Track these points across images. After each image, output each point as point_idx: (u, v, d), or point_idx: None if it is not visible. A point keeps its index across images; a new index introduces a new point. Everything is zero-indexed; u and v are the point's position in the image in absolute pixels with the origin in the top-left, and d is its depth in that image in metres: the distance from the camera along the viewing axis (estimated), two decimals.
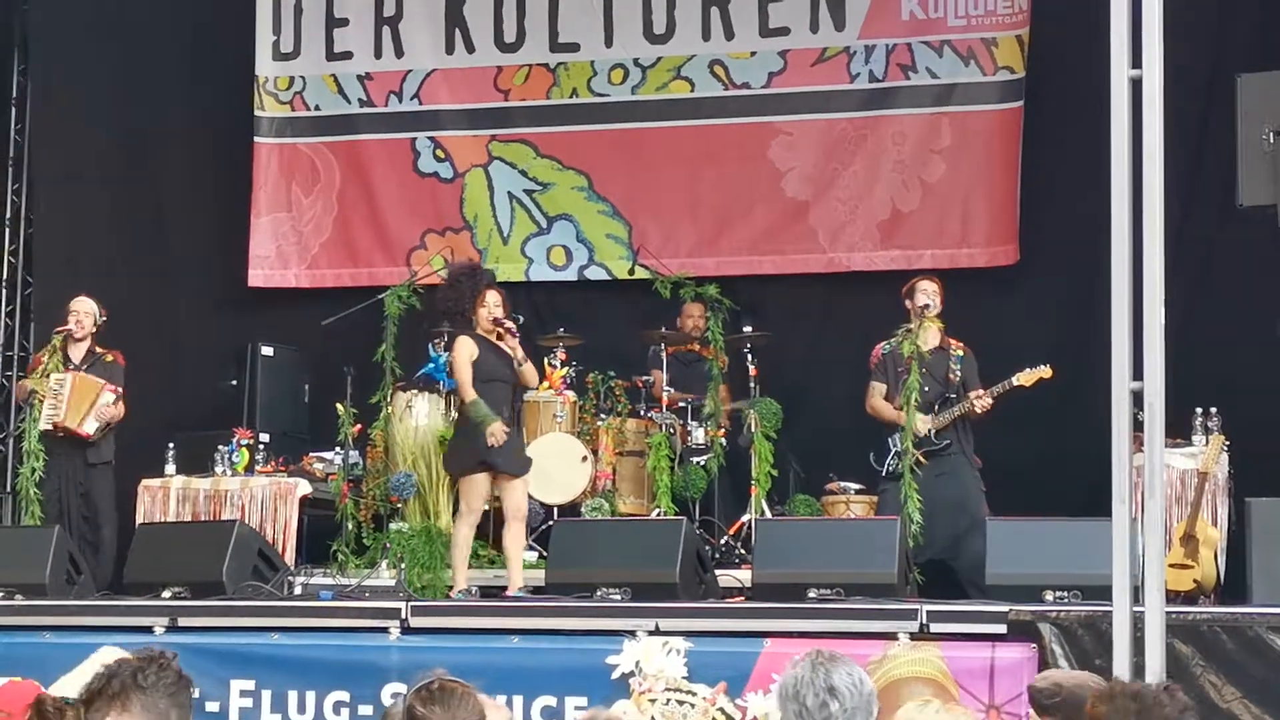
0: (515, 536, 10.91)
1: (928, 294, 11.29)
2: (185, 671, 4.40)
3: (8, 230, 15.01)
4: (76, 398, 11.80)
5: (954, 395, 11.22)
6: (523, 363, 11.06)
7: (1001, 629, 8.18)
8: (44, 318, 14.00)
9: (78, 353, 12.02)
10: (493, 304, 11.01)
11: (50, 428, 11.77)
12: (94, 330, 12.11)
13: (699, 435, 12.45)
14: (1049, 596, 8.52)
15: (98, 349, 12.09)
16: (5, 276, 14.98)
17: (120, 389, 11.91)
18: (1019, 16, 13.23)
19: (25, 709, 6.30)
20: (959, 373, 11.28)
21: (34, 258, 14.94)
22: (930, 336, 11.32)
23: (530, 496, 12.13)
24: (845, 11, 13.62)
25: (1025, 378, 11.08)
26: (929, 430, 11.06)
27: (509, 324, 11.03)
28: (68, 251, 14.70)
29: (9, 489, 13.73)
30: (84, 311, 12.11)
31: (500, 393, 10.94)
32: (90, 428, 11.75)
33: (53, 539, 10.04)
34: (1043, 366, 11.07)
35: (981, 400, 11.09)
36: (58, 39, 14.86)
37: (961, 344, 11.42)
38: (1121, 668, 6.89)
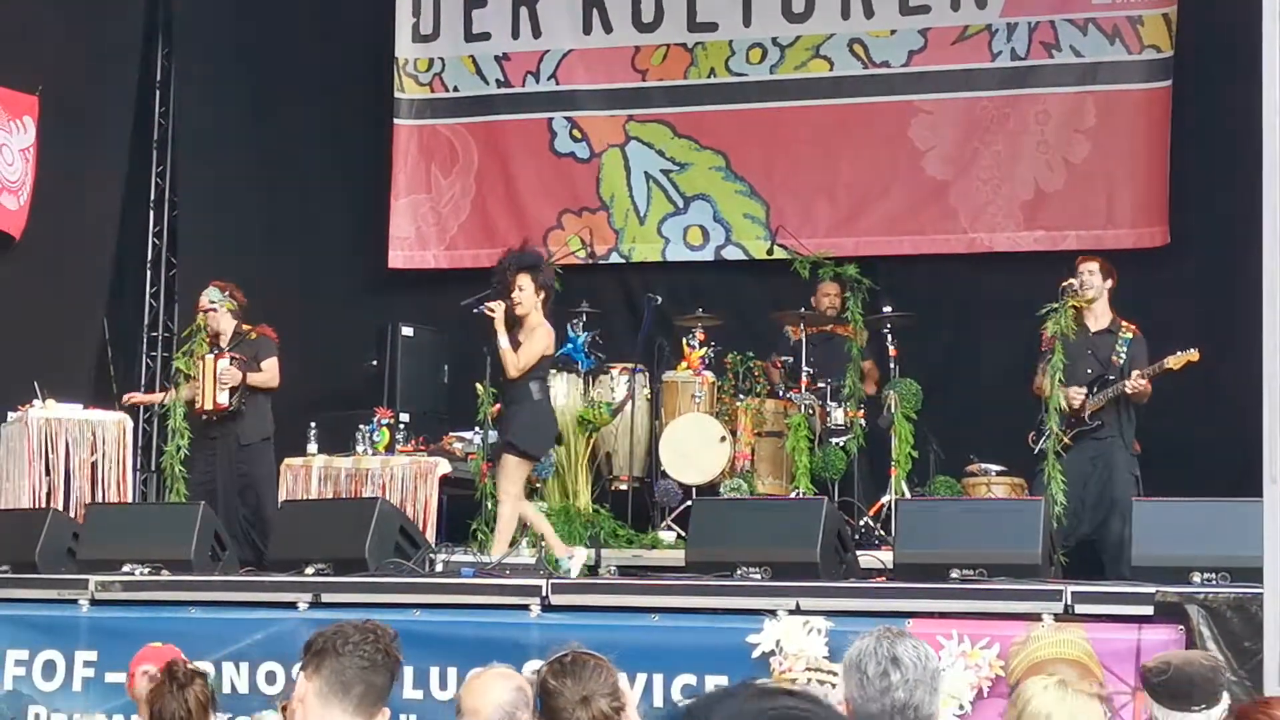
0: (498, 516, 10.97)
1: (1079, 273, 11.21)
2: (395, 653, 4.31)
3: (152, 212, 15.20)
4: (208, 380, 11.94)
5: (1114, 377, 11.12)
6: (500, 349, 10.92)
7: (1148, 610, 8.05)
8: (187, 299, 14.14)
9: (225, 337, 12.14)
10: (529, 286, 10.92)
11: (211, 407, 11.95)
12: (232, 311, 12.16)
13: (838, 416, 12.40)
14: (1197, 578, 8.38)
15: (244, 326, 12.20)
16: (150, 258, 15.17)
17: (243, 357, 11.99)
18: None
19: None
20: (1123, 355, 11.17)
21: (177, 239, 15.12)
22: (1099, 317, 11.26)
23: (667, 475, 12.17)
24: None
25: (1174, 361, 10.96)
26: (1082, 407, 10.98)
27: (489, 307, 10.92)
28: (210, 233, 14.87)
29: (154, 467, 13.91)
30: (200, 309, 12.26)
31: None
32: (224, 399, 11.89)
33: (198, 515, 10.12)
34: (1191, 350, 10.93)
35: (1132, 383, 10.97)
36: (200, 24, 15.04)
37: (1133, 326, 11.27)
38: (1271, 650, 6.76)
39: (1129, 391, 11.01)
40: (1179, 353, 10.93)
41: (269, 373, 12.11)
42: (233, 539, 11.23)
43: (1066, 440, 10.89)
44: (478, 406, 12.32)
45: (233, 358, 11.94)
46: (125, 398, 12.95)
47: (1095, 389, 11.09)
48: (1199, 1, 12.85)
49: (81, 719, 9.13)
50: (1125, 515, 10.61)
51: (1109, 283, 11.28)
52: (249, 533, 11.73)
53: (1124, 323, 11.30)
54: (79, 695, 9.20)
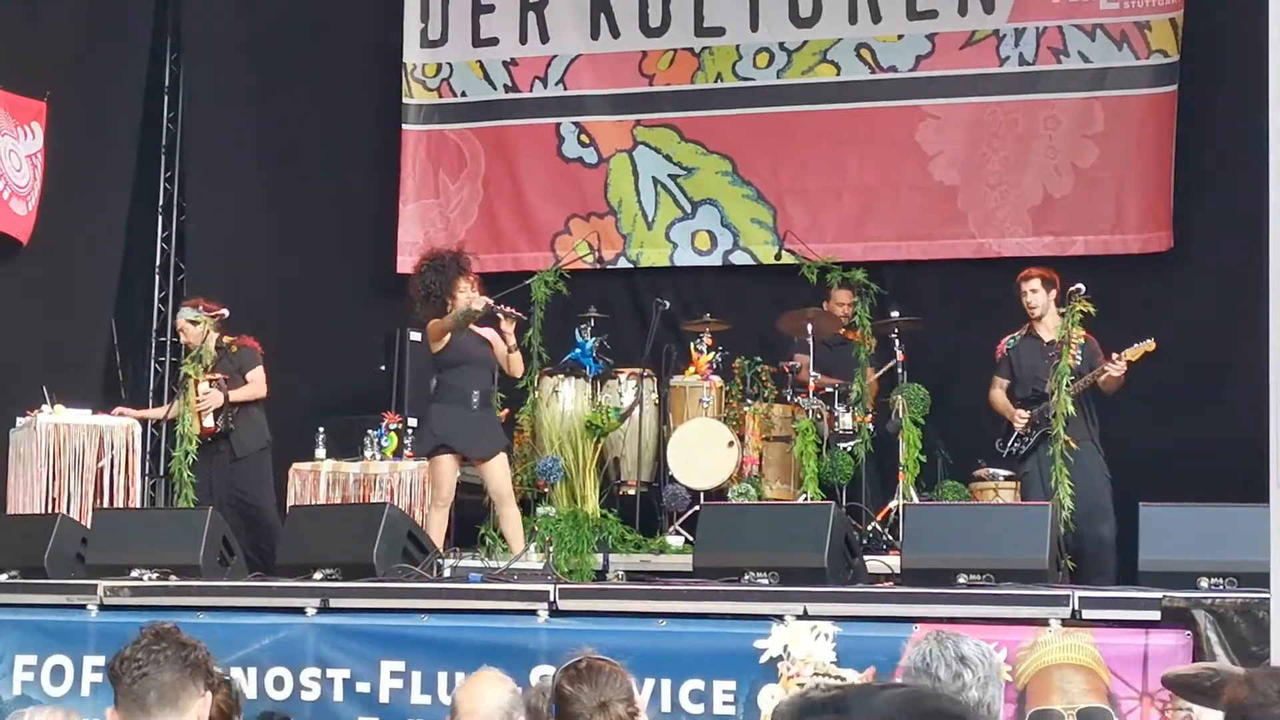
0: (506, 519, 11.06)
1: (1021, 292, 11.64)
2: (177, 640, 4.27)
3: (160, 217, 15.23)
4: (194, 404, 11.95)
5: (1072, 378, 11.35)
6: (512, 350, 11.09)
7: (1155, 616, 8.04)
8: None
9: (208, 356, 12.10)
10: (469, 290, 11.02)
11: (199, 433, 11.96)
12: (213, 326, 12.12)
13: (846, 421, 12.40)
14: (1204, 583, 8.38)
15: (225, 339, 12.16)
16: (158, 263, 15.20)
17: (225, 375, 11.97)
18: None
19: None
20: (1079, 358, 11.40)
21: (186, 244, 15.14)
22: (1050, 328, 11.59)
23: (675, 480, 12.18)
24: None
25: (1131, 352, 11.14)
26: (1031, 419, 11.47)
27: (508, 309, 11.05)
28: (218, 238, 14.89)
29: (163, 472, 13.92)
30: (180, 330, 12.27)
31: (474, 374, 11.05)
32: (208, 422, 11.88)
33: (207, 520, 10.12)
34: (1148, 340, 11.11)
35: (1115, 366, 11.18)
36: (208, 29, 15.06)
37: (1084, 333, 11.44)
38: (1278, 655, 6.75)
39: (1114, 374, 11.21)
40: (1136, 344, 11.08)
41: (255, 384, 12.06)
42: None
43: (1070, 442, 11.01)
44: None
45: (211, 380, 11.91)
46: (115, 410, 12.95)
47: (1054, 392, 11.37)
48: (1205, 6, 12.85)
49: None
50: (1102, 517, 10.88)
51: (1053, 293, 11.61)
52: (250, 543, 11.71)
53: (1075, 330, 11.46)
54: (87, 700, 9.18)
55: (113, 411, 12.79)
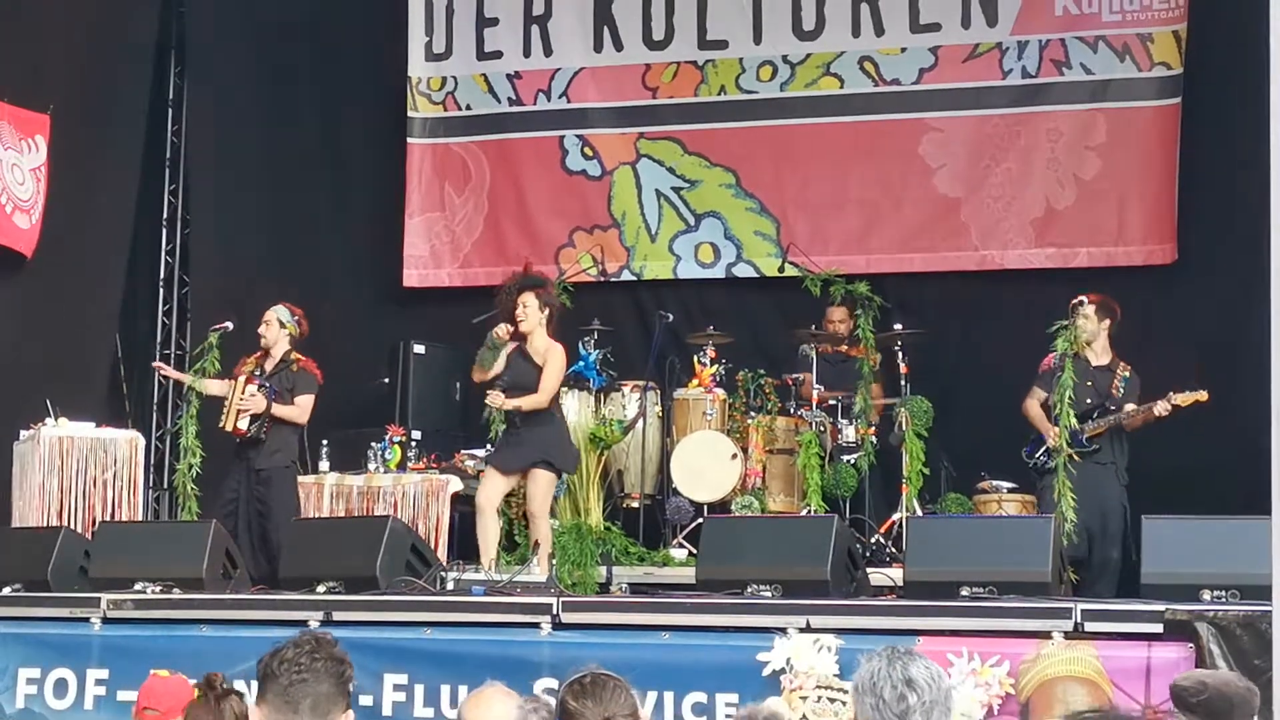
0: (533, 535, 11.01)
1: (1076, 315, 11.43)
2: (336, 655, 4.35)
3: (165, 230, 15.23)
4: (233, 402, 11.94)
5: (1114, 407, 11.38)
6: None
7: (1158, 628, 8.05)
8: (200, 316, 14.19)
9: (272, 361, 12.04)
10: (522, 309, 11.01)
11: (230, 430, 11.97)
12: (292, 337, 12.07)
13: (849, 433, 12.40)
14: (1206, 596, 8.38)
15: (293, 355, 12.05)
16: (162, 276, 15.21)
17: (277, 387, 11.96)
18: (1176, 12, 13.05)
19: (175, 705, 6.34)
20: (1122, 389, 11.44)
21: (190, 257, 15.15)
22: (1099, 354, 11.50)
23: (679, 493, 12.18)
24: (997, 7, 13.51)
25: (1182, 399, 11.14)
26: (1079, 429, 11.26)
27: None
28: (223, 251, 14.89)
29: (167, 485, 13.92)
30: (264, 320, 12.15)
31: (511, 395, 11.04)
32: (243, 424, 11.85)
33: (209, 533, 10.13)
34: (1200, 391, 11.10)
35: (1161, 406, 11.16)
36: (213, 42, 15.07)
37: (1129, 366, 11.49)
38: None
39: (1160, 414, 11.21)
40: (1187, 391, 11.09)
41: (300, 409, 11.92)
42: (251, 558, 11.27)
43: (1074, 454, 11.00)
44: (489, 424, 12.33)
45: (260, 385, 11.88)
46: (155, 365, 13.57)
47: (1096, 415, 11.29)
48: (1209, 19, 12.84)
49: None
50: (1114, 542, 10.88)
51: (1106, 322, 11.52)
52: (263, 556, 11.72)
53: (1122, 362, 11.52)
54: (91, 714, 9.21)
55: (153, 365, 13.58)
